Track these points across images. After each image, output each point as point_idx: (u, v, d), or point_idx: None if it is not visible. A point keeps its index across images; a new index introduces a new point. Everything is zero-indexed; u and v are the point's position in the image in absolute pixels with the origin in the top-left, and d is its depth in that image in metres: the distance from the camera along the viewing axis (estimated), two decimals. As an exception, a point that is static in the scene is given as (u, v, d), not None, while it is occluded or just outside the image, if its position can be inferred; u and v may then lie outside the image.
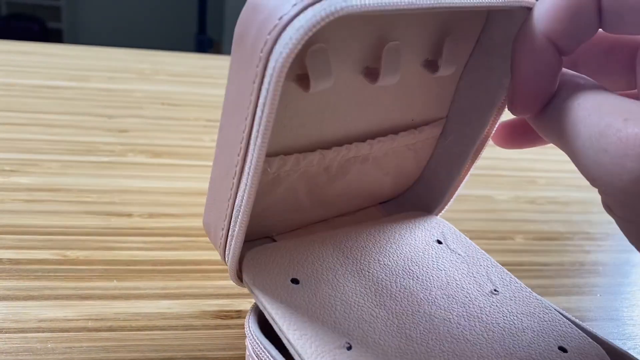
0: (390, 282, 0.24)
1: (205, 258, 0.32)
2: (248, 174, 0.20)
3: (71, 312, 0.27)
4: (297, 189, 0.25)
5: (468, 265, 0.26)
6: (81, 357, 0.25)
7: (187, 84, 0.63)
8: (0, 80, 0.56)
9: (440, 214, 0.29)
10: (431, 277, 0.25)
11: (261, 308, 0.21)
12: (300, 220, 0.27)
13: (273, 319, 0.21)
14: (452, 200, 0.29)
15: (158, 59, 0.70)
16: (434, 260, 0.26)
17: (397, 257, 0.26)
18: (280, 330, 0.20)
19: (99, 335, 0.26)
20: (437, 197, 0.29)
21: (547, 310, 0.24)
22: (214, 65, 0.72)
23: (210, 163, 0.23)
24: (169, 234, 0.34)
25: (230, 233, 0.22)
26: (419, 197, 0.30)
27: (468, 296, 0.24)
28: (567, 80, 0.21)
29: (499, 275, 0.25)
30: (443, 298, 0.24)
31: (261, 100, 0.18)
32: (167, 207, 0.37)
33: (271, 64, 0.18)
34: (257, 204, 0.24)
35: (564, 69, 0.21)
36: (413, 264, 0.25)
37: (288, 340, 0.20)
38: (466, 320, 0.23)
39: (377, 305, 0.22)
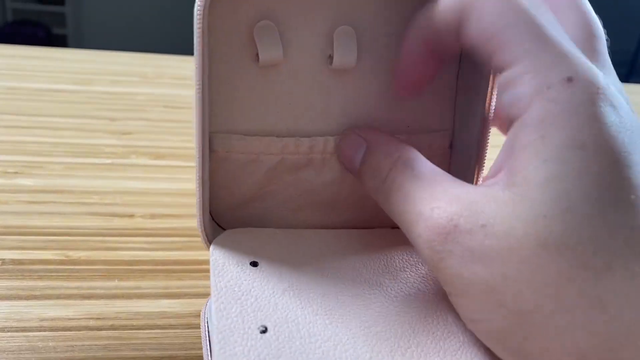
0: (350, 288, 0.23)
1: (207, 258, 0.32)
2: (197, 145, 0.23)
3: (73, 312, 0.27)
4: (283, 180, 0.26)
5: None
6: (83, 356, 0.25)
7: (190, 87, 0.63)
8: (4, 84, 0.57)
9: None
10: (401, 296, 0.23)
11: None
12: (300, 222, 0.27)
13: (212, 294, 0.21)
14: None
15: (161, 63, 0.70)
16: (420, 280, 0.24)
17: (379, 269, 0.24)
18: (212, 303, 0.21)
19: (101, 334, 0.26)
20: None
21: None
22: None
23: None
24: (171, 234, 0.34)
25: (197, 206, 0.24)
26: None
27: (435, 322, 0.22)
28: (396, 161, 0.22)
29: None
30: (397, 316, 0.22)
31: (195, 59, 0.21)
32: (169, 207, 0.37)
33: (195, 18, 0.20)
34: (241, 189, 0.26)
35: (400, 145, 0.23)
36: (391, 279, 0.24)
37: (211, 312, 0.20)
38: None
39: (319, 304, 0.21)
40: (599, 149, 0.17)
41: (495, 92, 0.25)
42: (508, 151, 0.19)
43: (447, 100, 0.27)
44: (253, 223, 0.27)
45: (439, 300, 0.23)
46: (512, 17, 0.19)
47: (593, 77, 0.18)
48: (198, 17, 0.20)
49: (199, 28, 0.20)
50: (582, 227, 0.17)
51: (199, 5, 0.20)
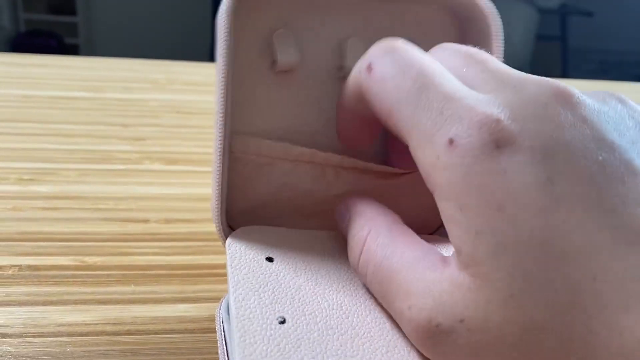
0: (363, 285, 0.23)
1: (222, 262, 0.32)
2: (217, 143, 0.24)
3: (89, 317, 0.27)
4: (296, 189, 0.26)
5: None
6: (100, 361, 0.25)
7: (202, 92, 0.63)
8: (18, 92, 0.57)
9: None
10: None
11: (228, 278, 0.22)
12: (311, 228, 0.27)
13: (230, 285, 0.21)
14: None
15: (173, 69, 0.71)
16: None
17: None
18: (229, 294, 0.21)
19: (117, 339, 0.26)
20: None
21: None
22: (228, 73, 0.72)
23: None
24: (185, 239, 0.34)
25: (214, 201, 0.25)
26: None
27: None
28: (366, 238, 0.21)
29: None
30: None
31: (218, 64, 0.22)
32: (183, 212, 0.37)
33: (219, 22, 0.22)
34: (254, 191, 0.26)
35: (374, 216, 0.22)
36: None
37: (229, 303, 0.21)
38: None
39: (334, 298, 0.22)
40: (517, 206, 0.16)
41: None
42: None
43: None
44: (255, 218, 0.27)
45: None
46: (394, 92, 0.19)
47: (479, 122, 0.16)
48: (223, 23, 0.22)
49: (224, 34, 0.22)
50: (547, 297, 0.15)
51: (222, 13, 0.22)
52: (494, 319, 0.16)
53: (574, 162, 0.16)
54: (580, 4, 2.95)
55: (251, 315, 0.20)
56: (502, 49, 0.24)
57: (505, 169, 0.16)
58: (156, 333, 0.27)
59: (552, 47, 3.01)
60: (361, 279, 0.22)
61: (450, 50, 0.20)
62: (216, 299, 0.29)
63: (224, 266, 0.32)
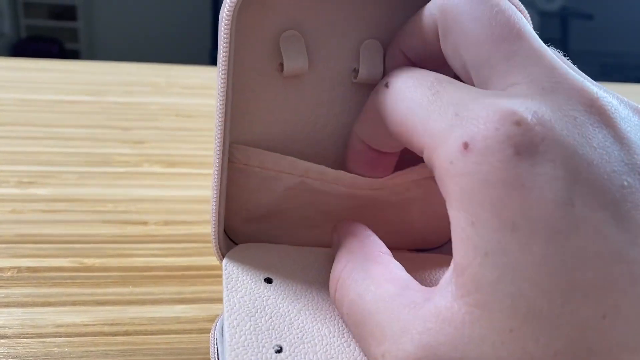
0: None
1: (220, 264, 0.32)
2: (216, 154, 0.22)
3: (88, 318, 0.27)
4: (302, 199, 0.25)
5: None
6: (98, 361, 0.25)
7: (201, 96, 0.64)
8: (18, 96, 0.57)
9: None
10: None
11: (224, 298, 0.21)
12: (315, 239, 0.26)
13: (225, 309, 0.20)
14: None
15: (172, 73, 0.71)
16: None
17: None
18: (224, 318, 0.20)
19: (115, 339, 0.26)
20: None
21: None
22: (228, 77, 0.72)
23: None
24: (184, 241, 0.35)
25: (213, 217, 0.23)
26: None
27: None
28: (341, 273, 0.20)
29: None
30: None
31: (219, 66, 0.21)
32: (182, 214, 0.38)
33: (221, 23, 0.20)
34: (257, 203, 0.25)
35: (353, 249, 0.20)
36: None
37: (221, 331, 0.20)
38: None
39: (335, 325, 0.21)
40: (532, 226, 0.14)
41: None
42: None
43: None
44: (266, 237, 0.26)
45: None
46: (409, 101, 0.18)
47: (498, 121, 0.15)
48: (225, 25, 0.20)
49: (226, 36, 0.20)
50: (550, 333, 0.14)
51: (226, 13, 0.20)
52: (487, 359, 0.14)
53: (598, 184, 0.14)
54: (581, 7, 2.96)
55: (245, 343, 0.19)
56: None
57: (524, 183, 0.14)
58: (154, 334, 0.27)
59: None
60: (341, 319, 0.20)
61: None
62: (214, 300, 0.29)
63: (222, 267, 0.32)
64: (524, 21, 0.17)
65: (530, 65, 0.16)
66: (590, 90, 0.16)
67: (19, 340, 0.25)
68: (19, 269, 0.30)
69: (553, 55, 0.17)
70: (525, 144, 0.14)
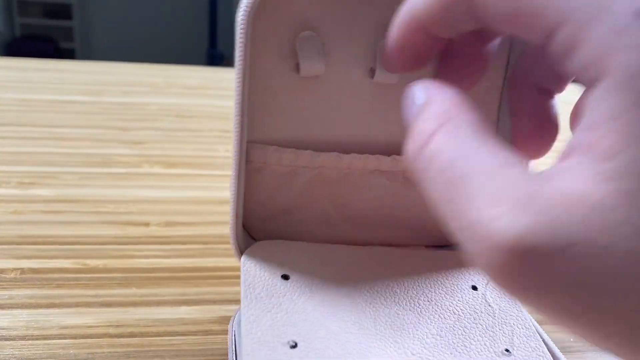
0: (384, 307, 0.22)
1: (223, 265, 0.33)
2: (235, 152, 0.22)
3: (92, 319, 0.27)
4: (319, 193, 0.25)
5: (494, 318, 0.23)
6: (103, 363, 0.25)
7: (200, 96, 0.64)
8: (17, 96, 0.57)
9: None
10: (436, 318, 0.22)
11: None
12: (333, 237, 0.26)
13: (242, 304, 0.21)
14: None
15: (171, 73, 0.71)
16: (455, 303, 0.23)
17: (413, 289, 0.24)
18: (241, 312, 0.21)
19: (121, 341, 0.26)
20: None
21: None
22: (227, 77, 0.73)
23: (225, 172, 0.24)
24: (186, 242, 0.35)
25: (231, 215, 0.24)
26: None
27: (468, 347, 0.21)
28: (437, 143, 0.16)
29: (524, 336, 0.22)
30: (434, 338, 0.21)
31: (236, 67, 0.21)
32: (183, 215, 0.38)
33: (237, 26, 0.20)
34: (275, 201, 0.25)
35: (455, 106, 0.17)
36: (425, 300, 0.23)
37: (239, 324, 0.20)
38: None
39: (352, 321, 0.21)
40: None
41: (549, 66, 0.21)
42: (585, 131, 0.14)
43: (493, 97, 0.26)
44: (284, 234, 0.26)
45: (476, 326, 0.22)
46: None
47: None
48: (242, 25, 0.20)
49: (242, 38, 0.20)
50: None
51: (243, 14, 0.20)
52: (622, 246, 0.12)
53: None
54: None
55: (262, 338, 0.19)
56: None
57: None
58: (159, 335, 0.27)
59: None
60: (413, 175, 0.17)
61: None
62: (218, 302, 0.29)
63: (225, 268, 0.32)
64: None
65: None
66: None
67: (24, 342, 0.25)
68: (22, 270, 0.30)
69: None
70: None
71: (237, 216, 0.24)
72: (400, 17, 0.19)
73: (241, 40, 0.20)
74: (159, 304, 0.29)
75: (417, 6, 0.18)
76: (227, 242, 0.26)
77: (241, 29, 0.20)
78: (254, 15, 0.20)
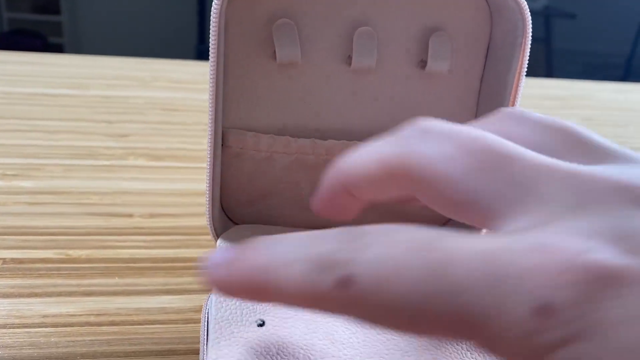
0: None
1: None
2: (209, 141, 0.23)
3: (74, 308, 0.27)
4: (297, 178, 0.26)
5: None
6: (84, 350, 0.25)
7: (186, 90, 0.64)
8: (1, 89, 0.57)
9: None
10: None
11: None
12: (312, 221, 0.27)
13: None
14: None
15: (157, 67, 0.71)
16: None
17: None
18: (212, 295, 0.21)
19: (101, 329, 0.26)
20: None
21: None
22: (213, 72, 0.72)
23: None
24: (169, 233, 0.35)
25: (207, 199, 0.24)
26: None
27: None
28: None
29: None
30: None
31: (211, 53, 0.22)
32: (167, 207, 0.38)
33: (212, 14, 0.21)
34: (254, 186, 0.25)
35: None
36: None
37: (211, 304, 0.21)
38: None
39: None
40: None
41: None
42: None
43: (468, 103, 0.26)
44: (264, 219, 0.27)
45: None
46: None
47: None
48: (215, 13, 0.21)
49: (215, 23, 0.21)
50: None
51: (217, 2, 0.21)
52: None
53: None
54: (564, 6, 2.98)
55: (230, 317, 0.20)
56: (529, 42, 0.23)
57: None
58: (140, 324, 0.27)
59: (537, 49, 3.04)
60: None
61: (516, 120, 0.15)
62: (199, 291, 0.30)
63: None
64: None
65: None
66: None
67: (4, 331, 0.25)
68: (4, 260, 0.30)
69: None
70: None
71: (212, 199, 0.24)
72: (330, 180, 0.18)
73: (214, 26, 0.21)
74: (140, 293, 0.29)
75: (350, 172, 0.17)
76: (209, 233, 0.27)
77: (214, 14, 0.21)
78: (228, 1, 0.21)
